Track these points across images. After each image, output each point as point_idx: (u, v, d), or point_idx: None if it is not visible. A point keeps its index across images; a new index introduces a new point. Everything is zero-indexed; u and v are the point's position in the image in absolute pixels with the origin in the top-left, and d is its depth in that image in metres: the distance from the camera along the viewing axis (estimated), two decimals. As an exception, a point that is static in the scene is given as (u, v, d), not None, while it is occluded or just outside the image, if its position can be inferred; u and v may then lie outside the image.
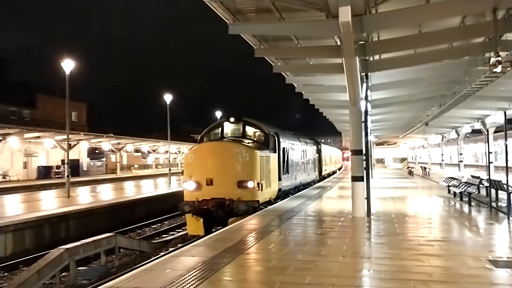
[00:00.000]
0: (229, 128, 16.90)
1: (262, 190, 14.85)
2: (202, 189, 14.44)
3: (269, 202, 16.17)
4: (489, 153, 22.55)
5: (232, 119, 16.86)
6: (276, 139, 17.38)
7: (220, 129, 16.93)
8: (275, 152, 16.95)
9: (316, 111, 33.04)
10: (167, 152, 45.82)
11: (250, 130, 16.86)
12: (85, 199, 21.64)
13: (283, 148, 18.38)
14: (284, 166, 18.45)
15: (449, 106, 25.62)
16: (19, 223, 13.96)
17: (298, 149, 22.21)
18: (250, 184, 14.29)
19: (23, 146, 46.27)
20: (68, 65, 21.74)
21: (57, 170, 48.76)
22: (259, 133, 16.83)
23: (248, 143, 15.73)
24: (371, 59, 15.36)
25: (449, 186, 18.73)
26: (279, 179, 17.37)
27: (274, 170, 16.64)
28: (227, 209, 14.08)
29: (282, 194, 18.53)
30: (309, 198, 18.05)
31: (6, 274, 11.91)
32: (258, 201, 14.52)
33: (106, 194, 24.63)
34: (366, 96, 15.50)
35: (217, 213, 14.21)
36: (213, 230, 13.86)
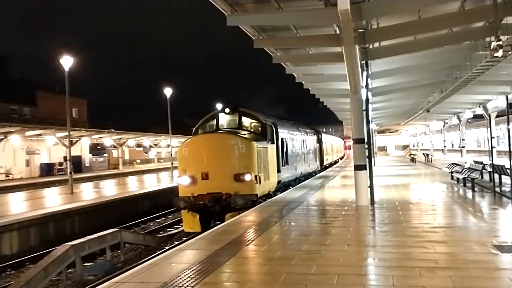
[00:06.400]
0: (224, 119, 16.36)
1: (260, 183, 14.39)
2: (198, 183, 13.93)
3: (268, 195, 15.78)
4: (491, 138, 22.57)
5: (227, 110, 16.28)
6: (274, 129, 16.85)
7: (215, 120, 16.35)
8: (273, 143, 16.46)
9: (317, 101, 32.92)
10: (168, 146, 45.83)
11: (246, 121, 16.32)
12: (88, 195, 21.68)
13: (282, 139, 17.90)
14: (283, 157, 17.97)
15: (450, 92, 25.47)
16: (24, 221, 13.99)
17: (297, 139, 21.79)
18: (247, 177, 13.79)
19: (25, 144, 46.26)
20: (67, 61, 21.67)
21: (59, 167, 48.77)
22: (256, 123, 16.29)
23: (245, 134, 15.24)
24: (371, 47, 15.26)
25: (452, 172, 18.71)
26: (278, 170, 16.90)
27: (273, 162, 16.19)
28: (224, 203, 13.61)
29: (282, 186, 18.10)
30: (311, 188, 18.04)
31: (13, 272, 11.97)
32: (256, 194, 14.05)
33: (109, 189, 24.68)
34: (367, 84, 15.45)
35: (214, 208, 13.72)
36: (211, 225, 13.40)
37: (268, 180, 15.47)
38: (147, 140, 60.16)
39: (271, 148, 16.16)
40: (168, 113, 34.51)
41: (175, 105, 39.68)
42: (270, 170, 15.71)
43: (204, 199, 13.81)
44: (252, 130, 16.16)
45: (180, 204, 13.87)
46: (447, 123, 49.80)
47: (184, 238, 14.33)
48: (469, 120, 46.73)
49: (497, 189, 13.85)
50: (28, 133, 39.50)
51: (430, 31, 14.50)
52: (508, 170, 13.49)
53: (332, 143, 42.97)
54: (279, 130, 17.47)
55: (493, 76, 21.25)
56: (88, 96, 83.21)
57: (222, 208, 13.67)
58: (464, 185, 15.91)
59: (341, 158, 54.00)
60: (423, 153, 44.26)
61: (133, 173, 47.24)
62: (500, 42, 11.78)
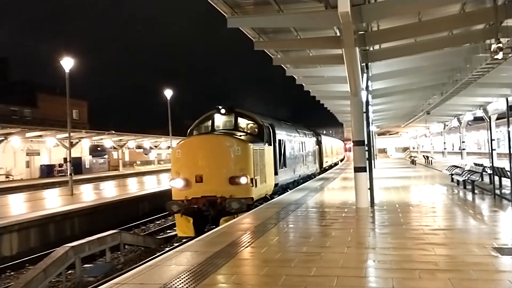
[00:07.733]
0: (220, 120, 15.91)
1: (256, 186, 13.93)
2: (192, 186, 13.50)
3: (265, 199, 15.42)
4: (491, 140, 22.58)
5: (223, 111, 15.78)
6: (271, 130, 16.48)
7: (210, 121, 15.94)
8: (270, 144, 16.01)
9: (317, 103, 32.94)
10: (169, 147, 45.88)
11: (243, 122, 15.91)
12: (88, 196, 21.67)
13: (280, 140, 17.50)
14: (281, 159, 17.57)
15: (451, 94, 25.51)
16: (23, 222, 13.99)
17: (296, 141, 21.42)
18: (243, 180, 13.34)
19: (25, 145, 46.27)
20: (67, 63, 21.70)
21: (59, 169, 48.77)
22: (253, 124, 15.91)
23: (241, 135, 14.80)
24: (371, 49, 15.28)
25: (452, 174, 18.70)
26: (276, 173, 16.48)
27: (270, 164, 15.71)
28: (218, 207, 13.19)
29: (280, 189, 17.72)
30: (311, 190, 18.02)
31: (12, 273, 11.96)
32: (252, 198, 13.62)
33: (110, 191, 24.69)
34: (367, 86, 15.47)
35: (208, 212, 13.30)
36: (205, 230, 13.05)
37: (265, 183, 15.12)
38: (147, 141, 60.15)
39: (268, 150, 15.77)
40: (169, 115, 34.61)
41: (176, 107, 39.78)
42: (267, 172, 15.31)
43: (198, 202, 13.36)
44: (248, 131, 15.80)
45: (173, 207, 13.40)
46: (447, 125, 49.82)
47: (184, 240, 14.27)
48: (470, 123, 46.75)
49: (497, 192, 13.84)
50: (28, 135, 39.51)
51: (431, 33, 14.52)
52: (508, 173, 13.47)
53: (332, 145, 42.88)
54: (276, 131, 17.08)
55: (493, 79, 21.27)
56: (89, 98, 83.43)
57: (216, 212, 13.27)
58: (464, 187, 15.90)
59: (341, 160, 53.98)
60: (423, 155, 44.27)
61: (133, 175, 47.22)
62: (501, 45, 11.79)
